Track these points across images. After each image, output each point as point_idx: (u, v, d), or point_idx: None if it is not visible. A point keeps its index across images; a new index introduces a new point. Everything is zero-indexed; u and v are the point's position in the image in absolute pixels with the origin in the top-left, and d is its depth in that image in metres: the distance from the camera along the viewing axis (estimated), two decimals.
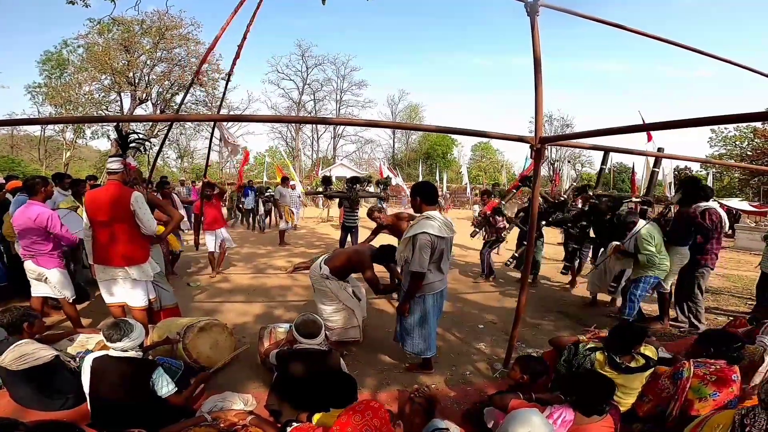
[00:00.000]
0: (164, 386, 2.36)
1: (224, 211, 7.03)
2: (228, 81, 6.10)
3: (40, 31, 43.42)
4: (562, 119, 40.63)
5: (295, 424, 2.07)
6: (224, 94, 5.93)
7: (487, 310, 5.10)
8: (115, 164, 3.24)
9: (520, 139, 2.77)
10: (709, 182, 17.78)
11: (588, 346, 2.67)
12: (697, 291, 4.49)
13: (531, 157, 2.80)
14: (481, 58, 65.52)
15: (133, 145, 3.40)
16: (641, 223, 4.41)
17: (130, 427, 2.01)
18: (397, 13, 56.95)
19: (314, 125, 37.91)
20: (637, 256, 4.26)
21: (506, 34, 55.89)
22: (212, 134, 6.71)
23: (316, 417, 2.13)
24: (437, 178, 28.74)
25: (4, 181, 5.75)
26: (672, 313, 4.78)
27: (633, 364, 2.48)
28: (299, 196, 11.62)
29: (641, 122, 6.83)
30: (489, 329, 4.41)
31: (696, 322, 4.51)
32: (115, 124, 3.38)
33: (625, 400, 2.48)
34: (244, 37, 5.51)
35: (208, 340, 3.28)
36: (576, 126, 40.36)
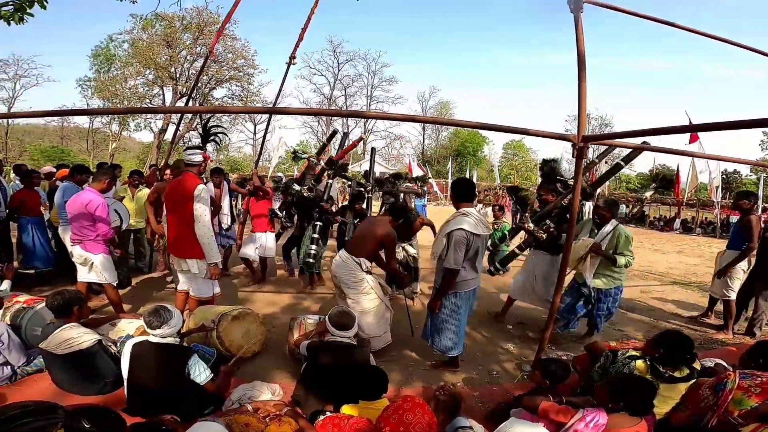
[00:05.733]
0: (201, 373, 2.40)
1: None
2: (289, 65, 6.02)
3: (86, 27, 45.63)
4: (601, 118, 39.18)
5: (328, 413, 2.08)
6: (284, 79, 6.00)
7: (517, 310, 4.97)
8: (196, 156, 3.35)
9: (562, 137, 2.67)
10: (761, 187, 16.74)
11: (628, 354, 2.58)
12: (762, 301, 4.35)
13: (573, 156, 2.69)
14: (514, 55, 64.13)
15: (214, 138, 3.54)
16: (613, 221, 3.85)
17: (163, 413, 2.02)
18: (428, 7, 56.47)
19: (345, 120, 38.17)
20: (615, 258, 3.71)
21: (540, 30, 54.41)
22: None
23: (345, 409, 2.15)
24: (467, 175, 28.43)
25: (55, 170, 6.10)
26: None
27: (677, 374, 2.39)
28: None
29: (688, 122, 6.47)
30: (518, 329, 4.32)
31: (756, 330, 4.37)
32: (198, 119, 3.59)
33: (660, 409, 2.39)
34: (307, 23, 5.62)
35: (241, 328, 3.34)
36: (615, 126, 38.82)
